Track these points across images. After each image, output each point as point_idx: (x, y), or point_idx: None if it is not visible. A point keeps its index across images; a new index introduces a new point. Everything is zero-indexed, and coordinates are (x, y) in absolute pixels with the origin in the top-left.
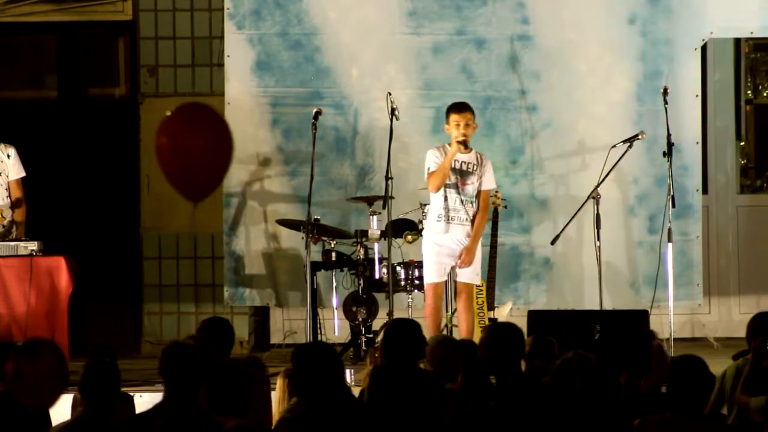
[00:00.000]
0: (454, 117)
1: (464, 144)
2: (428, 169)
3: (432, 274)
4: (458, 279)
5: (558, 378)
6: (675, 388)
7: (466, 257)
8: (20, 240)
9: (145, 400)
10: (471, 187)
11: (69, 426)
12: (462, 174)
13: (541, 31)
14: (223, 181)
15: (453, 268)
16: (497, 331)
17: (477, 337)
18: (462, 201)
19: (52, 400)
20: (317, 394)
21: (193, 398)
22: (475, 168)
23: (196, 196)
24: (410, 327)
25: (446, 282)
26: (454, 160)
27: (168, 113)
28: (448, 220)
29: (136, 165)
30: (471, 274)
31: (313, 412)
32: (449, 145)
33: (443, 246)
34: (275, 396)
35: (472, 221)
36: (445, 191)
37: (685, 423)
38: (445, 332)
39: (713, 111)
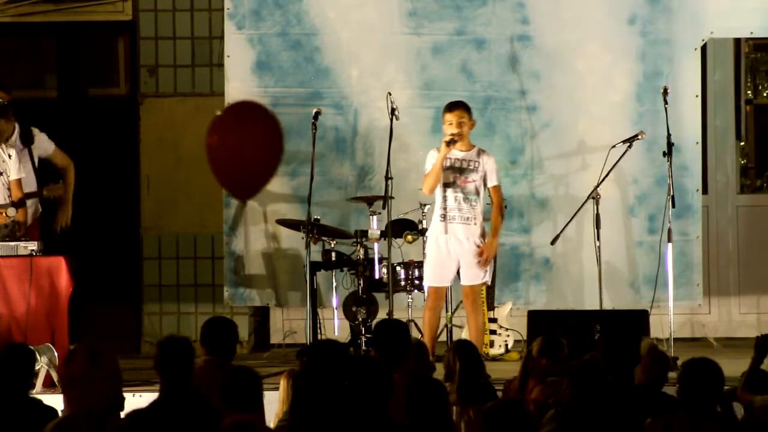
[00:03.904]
0: (446, 117)
1: (453, 142)
2: (425, 170)
3: (430, 277)
4: (462, 282)
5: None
6: (686, 388)
7: (487, 253)
8: (20, 240)
9: (144, 400)
10: (472, 185)
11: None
12: (460, 171)
13: (541, 31)
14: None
15: (458, 271)
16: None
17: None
18: (464, 199)
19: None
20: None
21: (187, 390)
22: (476, 165)
23: (245, 195)
24: (398, 328)
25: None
26: (450, 158)
27: (218, 112)
28: (448, 219)
29: (136, 165)
30: (476, 274)
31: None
32: None
33: (443, 247)
34: (278, 396)
35: (483, 219)
36: (444, 191)
37: (693, 423)
38: (444, 333)
39: (713, 111)
